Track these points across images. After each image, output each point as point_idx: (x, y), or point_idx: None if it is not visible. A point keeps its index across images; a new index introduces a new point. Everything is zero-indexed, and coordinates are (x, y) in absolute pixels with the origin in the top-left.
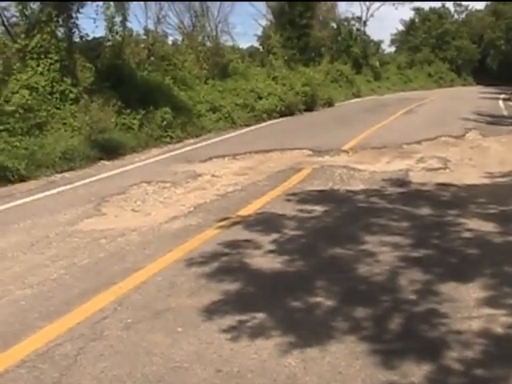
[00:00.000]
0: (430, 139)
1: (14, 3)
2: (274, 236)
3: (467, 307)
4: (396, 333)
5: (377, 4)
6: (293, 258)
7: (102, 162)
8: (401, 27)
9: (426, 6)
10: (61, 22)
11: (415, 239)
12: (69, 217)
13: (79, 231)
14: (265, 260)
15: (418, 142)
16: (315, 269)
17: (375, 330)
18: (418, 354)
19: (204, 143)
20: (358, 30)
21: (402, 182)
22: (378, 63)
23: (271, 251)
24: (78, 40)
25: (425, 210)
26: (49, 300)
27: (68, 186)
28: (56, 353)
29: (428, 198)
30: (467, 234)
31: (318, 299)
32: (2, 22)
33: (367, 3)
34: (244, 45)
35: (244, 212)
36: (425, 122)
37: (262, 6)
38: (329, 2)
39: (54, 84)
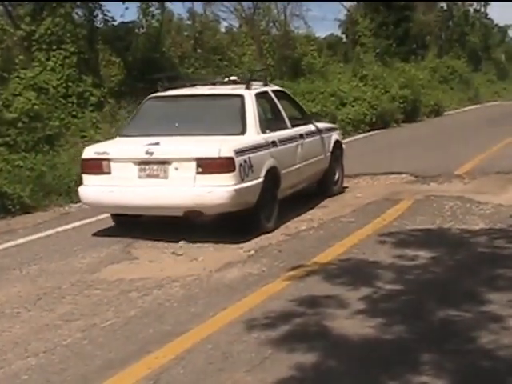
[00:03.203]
0: None
1: None
2: (364, 291)
3: None
4: None
5: None
6: (390, 321)
7: None
8: None
9: None
10: (79, 2)
11: None
12: (88, 261)
13: (102, 281)
14: (352, 323)
15: None
16: (420, 337)
17: None
18: None
19: None
20: (476, 11)
21: None
22: (503, 57)
23: (360, 311)
24: (101, 26)
25: None
26: (60, 374)
27: (87, 221)
28: None
29: None
30: None
31: (425, 379)
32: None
33: None
34: (322, 33)
35: (323, 258)
36: None
37: None
38: None
39: (70, 84)
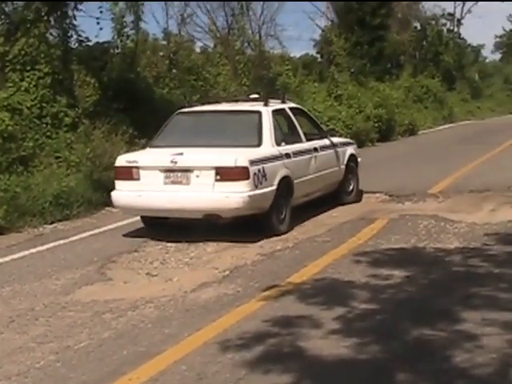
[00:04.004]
0: None
1: None
2: (339, 311)
3: None
4: None
5: None
6: (365, 340)
7: (108, 208)
8: (509, 26)
9: None
10: (53, 22)
11: None
12: (62, 283)
13: (76, 302)
14: (327, 343)
15: None
16: (395, 356)
17: None
18: None
19: None
20: (450, 31)
21: None
22: (477, 76)
23: (335, 331)
24: (76, 46)
25: None
26: None
27: (61, 242)
28: None
29: None
30: None
31: None
32: None
33: None
34: (297, 53)
35: (297, 278)
36: None
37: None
38: None
39: (44, 105)
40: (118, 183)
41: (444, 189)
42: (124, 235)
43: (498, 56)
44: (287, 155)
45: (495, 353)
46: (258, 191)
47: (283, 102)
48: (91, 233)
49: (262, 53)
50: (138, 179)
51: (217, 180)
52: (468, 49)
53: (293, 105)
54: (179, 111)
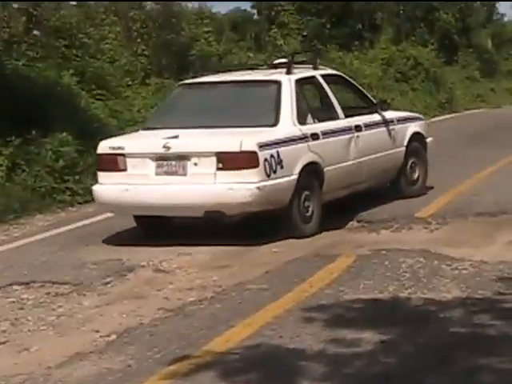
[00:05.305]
0: None
1: None
2: None
3: None
4: None
5: None
6: None
7: None
8: None
9: None
10: None
11: None
12: None
13: None
14: None
15: None
16: None
17: None
18: None
19: None
20: None
21: None
22: (490, 43)
23: None
24: None
25: None
26: None
27: None
28: None
29: None
30: None
31: None
32: None
33: None
34: (222, 8)
35: (220, 344)
36: None
37: None
38: None
39: None
40: (101, 175)
41: (438, 210)
42: None
43: None
44: (314, 136)
45: None
46: (270, 182)
47: (315, 68)
48: None
49: (168, 7)
50: (125, 170)
51: (219, 169)
52: (477, 3)
53: (329, 71)
54: (181, 83)
